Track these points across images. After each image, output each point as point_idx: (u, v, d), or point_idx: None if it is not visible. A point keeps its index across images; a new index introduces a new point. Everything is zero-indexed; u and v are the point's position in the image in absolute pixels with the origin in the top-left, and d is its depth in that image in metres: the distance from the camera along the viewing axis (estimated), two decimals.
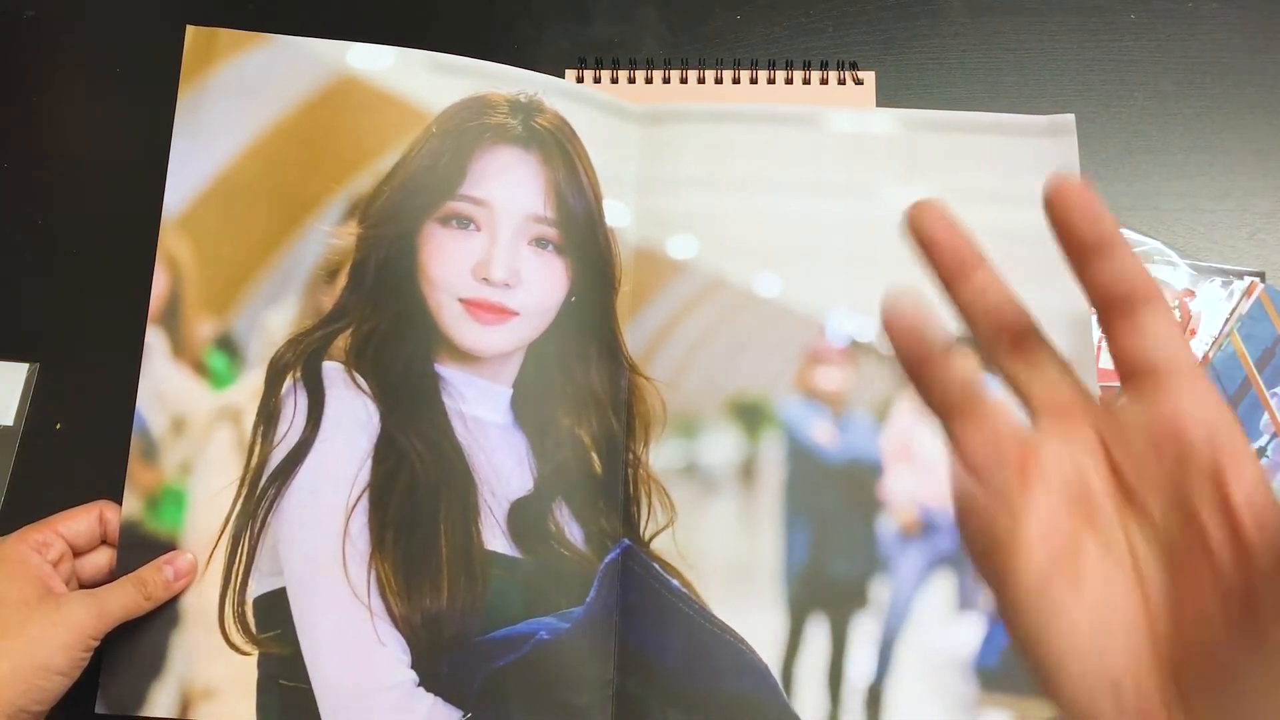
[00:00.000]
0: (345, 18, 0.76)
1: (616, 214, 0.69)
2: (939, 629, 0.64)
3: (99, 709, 0.60)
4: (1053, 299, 0.66)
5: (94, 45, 0.77)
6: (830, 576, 0.64)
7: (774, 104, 0.74)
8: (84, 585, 0.61)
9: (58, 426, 0.68)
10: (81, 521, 0.60)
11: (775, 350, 0.68)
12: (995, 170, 0.71)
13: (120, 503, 0.63)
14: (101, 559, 0.62)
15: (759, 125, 0.72)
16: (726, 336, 0.69)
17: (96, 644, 0.56)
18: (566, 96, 0.69)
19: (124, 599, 0.58)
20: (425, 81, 0.68)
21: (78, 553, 0.61)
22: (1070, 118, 0.71)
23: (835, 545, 0.65)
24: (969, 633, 0.63)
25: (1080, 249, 0.34)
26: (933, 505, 0.66)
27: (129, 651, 0.60)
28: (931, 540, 0.65)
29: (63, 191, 0.73)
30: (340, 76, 0.69)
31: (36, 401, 0.69)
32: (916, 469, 0.66)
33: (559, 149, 0.67)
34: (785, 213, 0.70)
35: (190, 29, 0.69)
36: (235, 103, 0.68)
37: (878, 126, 0.72)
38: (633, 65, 0.75)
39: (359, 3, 0.77)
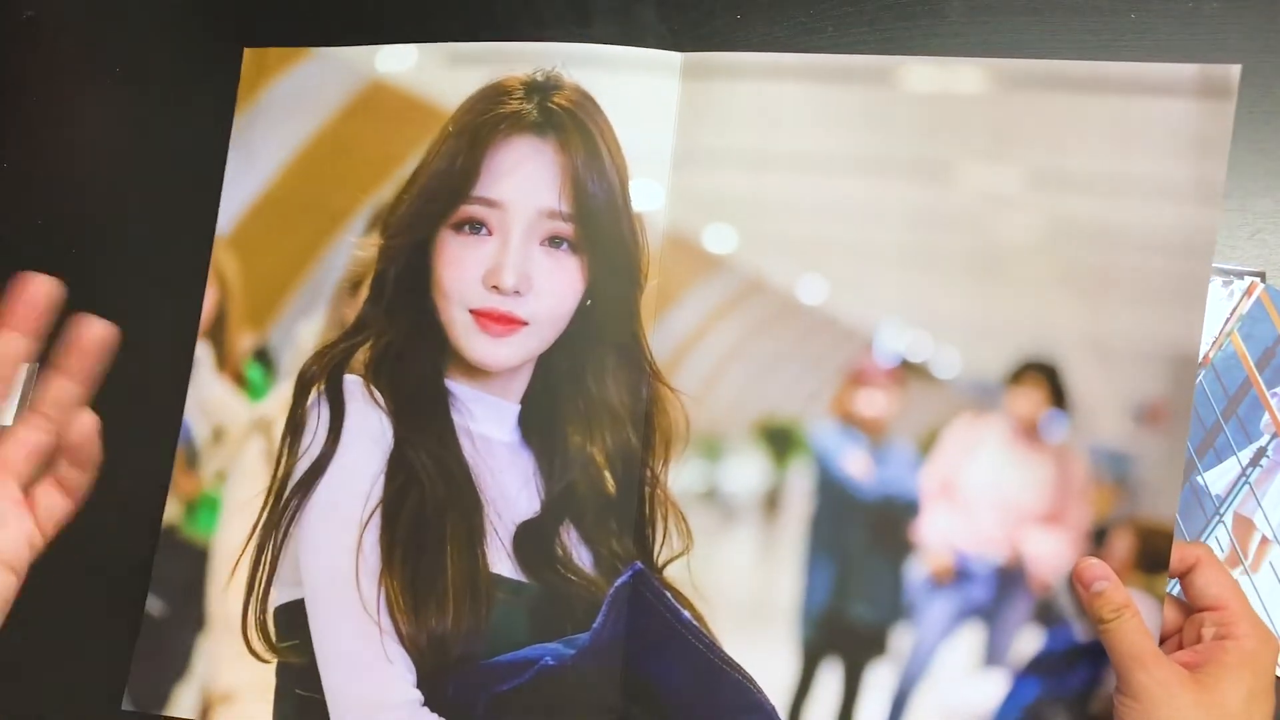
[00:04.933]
0: (345, 21, 0.73)
1: (647, 195, 0.62)
2: (960, 684, 0.60)
3: (125, 706, 0.65)
4: (1154, 322, 0.58)
5: (94, 45, 0.76)
6: (849, 621, 0.61)
7: (838, 55, 0.64)
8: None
9: None
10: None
11: (814, 367, 0.62)
12: (1109, 146, 0.59)
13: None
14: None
15: (818, 83, 0.63)
16: (761, 348, 0.63)
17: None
18: (592, 63, 0.63)
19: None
20: (444, 77, 0.66)
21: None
22: (1233, 70, 0.58)
23: (858, 588, 0.61)
24: (991, 689, 0.60)
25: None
26: (970, 551, 0.61)
27: (155, 652, 0.64)
28: (964, 589, 0.61)
29: (63, 191, 0.74)
30: (369, 82, 0.67)
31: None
32: (956, 510, 0.61)
33: (579, 129, 0.61)
34: (840, 198, 0.62)
35: (248, 51, 0.70)
36: (280, 119, 0.69)
37: (964, 83, 0.61)
38: None
39: (358, 6, 0.73)
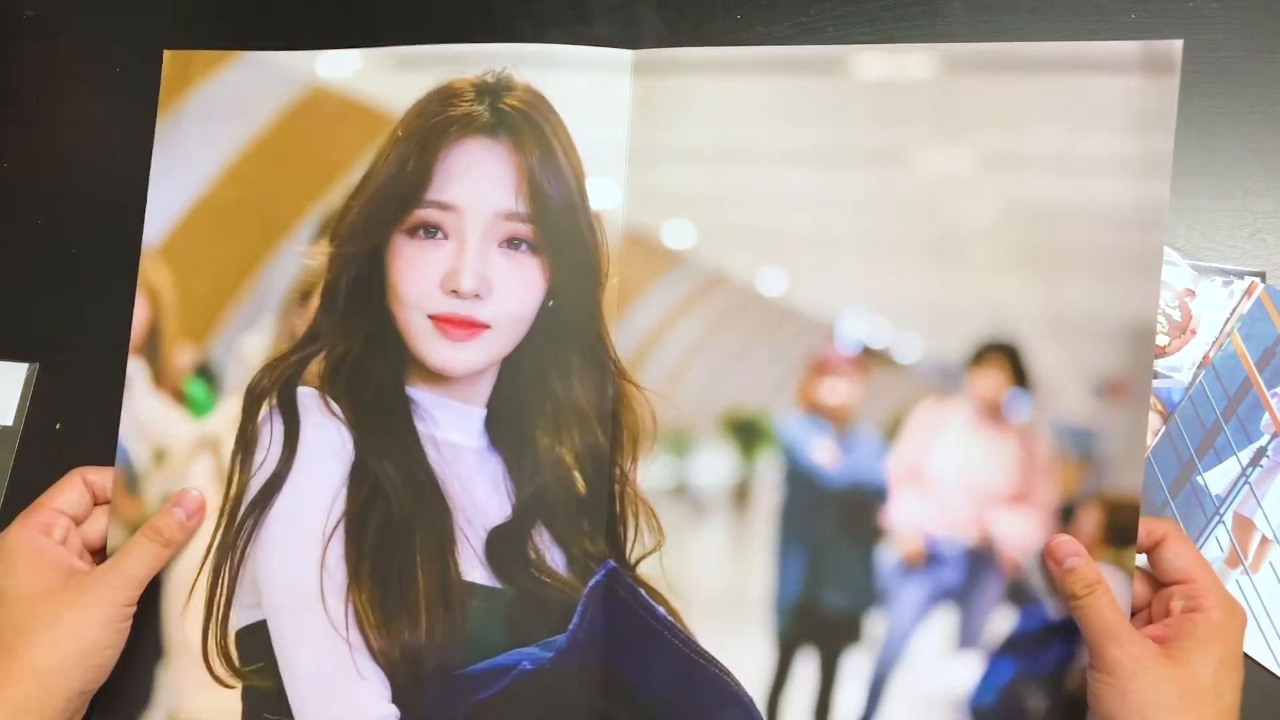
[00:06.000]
0: (340, 22, 0.73)
1: (604, 194, 0.61)
2: (935, 667, 0.61)
3: None
4: (1110, 296, 0.59)
5: (94, 45, 0.75)
6: (823, 609, 0.62)
7: (789, 47, 0.64)
8: (91, 551, 0.63)
9: (57, 426, 0.70)
10: (71, 493, 0.62)
11: (777, 358, 0.62)
12: (1058, 125, 0.60)
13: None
14: (101, 522, 0.63)
15: (770, 75, 0.62)
16: (724, 342, 0.63)
17: (133, 608, 0.59)
18: (542, 63, 0.62)
19: (144, 556, 0.60)
20: (391, 82, 0.63)
21: (77, 522, 0.62)
22: (1175, 45, 0.58)
23: (830, 576, 0.62)
24: (966, 671, 0.60)
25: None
26: (939, 535, 0.61)
27: (117, 684, 0.61)
28: (935, 573, 0.61)
29: (63, 192, 0.73)
30: (310, 88, 0.65)
31: (36, 401, 0.70)
32: (924, 494, 0.61)
33: (532, 130, 0.60)
34: (796, 190, 0.62)
35: (168, 54, 0.66)
36: (210, 125, 0.66)
37: (914, 69, 0.61)
38: None
39: (354, 5, 0.74)
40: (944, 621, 0.61)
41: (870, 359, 0.61)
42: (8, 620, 0.57)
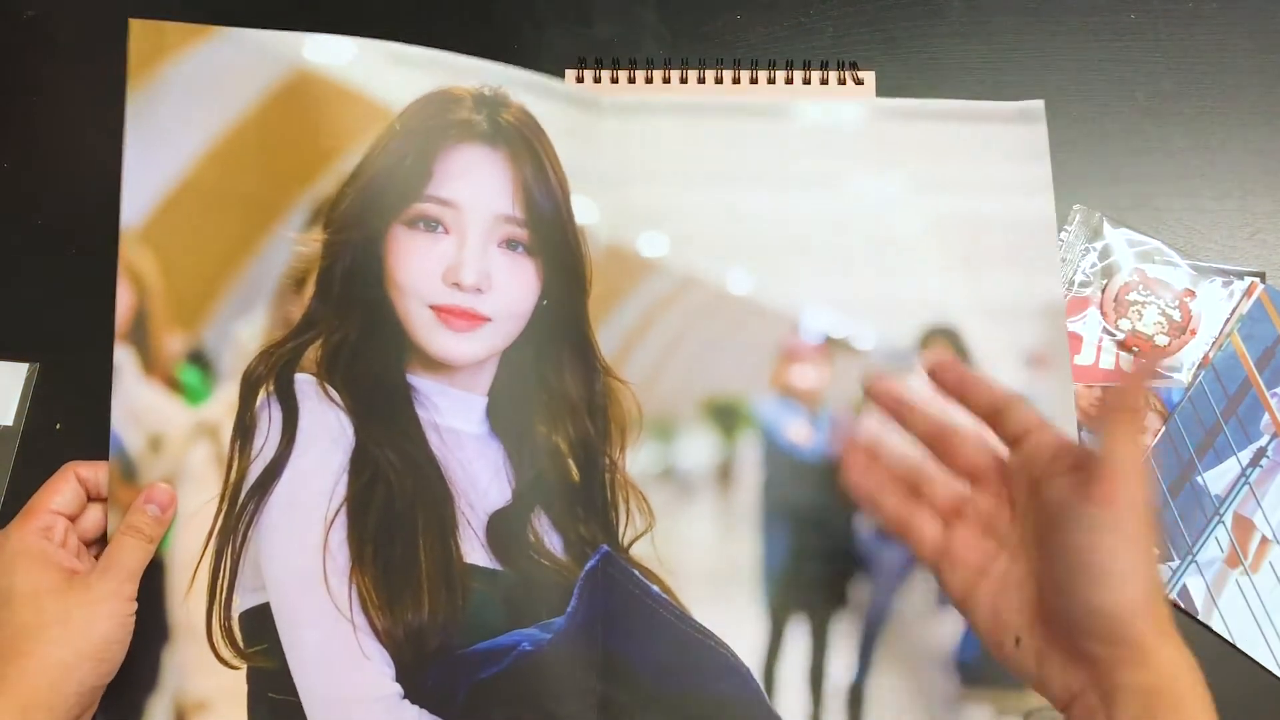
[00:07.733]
0: (342, 15, 0.74)
1: (585, 211, 0.67)
2: (919, 626, 0.64)
3: None
4: (1024, 286, 0.68)
5: (94, 45, 0.75)
6: (809, 577, 0.65)
7: (741, 97, 0.74)
8: (87, 544, 0.62)
9: (58, 426, 0.69)
10: (65, 491, 0.61)
11: (749, 349, 0.68)
12: (965, 159, 0.71)
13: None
14: (96, 516, 0.62)
15: (726, 118, 0.72)
16: (700, 336, 0.69)
17: (135, 604, 0.59)
18: (530, 89, 0.67)
19: (134, 552, 0.60)
20: (386, 76, 0.66)
21: (72, 520, 0.61)
22: (1039, 104, 0.71)
23: (814, 545, 0.65)
24: (949, 628, 0.64)
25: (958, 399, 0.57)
26: None
27: (124, 667, 0.60)
28: None
29: (63, 191, 0.74)
30: (297, 71, 0.66)
31: (36, 401, 0.69)
32: None
33: (526, 145, 0.65)
34: (755, 207, 0.70)
35: (134, 23, 0.65)
36: (188, 104, 0.65)
37: (846, 117, 0.72)
38: (633, 65, 0.74)
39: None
40: (923, 582, 0.65)
41: (832, 347, 0.68)
42: (14, 620, 0.56)
